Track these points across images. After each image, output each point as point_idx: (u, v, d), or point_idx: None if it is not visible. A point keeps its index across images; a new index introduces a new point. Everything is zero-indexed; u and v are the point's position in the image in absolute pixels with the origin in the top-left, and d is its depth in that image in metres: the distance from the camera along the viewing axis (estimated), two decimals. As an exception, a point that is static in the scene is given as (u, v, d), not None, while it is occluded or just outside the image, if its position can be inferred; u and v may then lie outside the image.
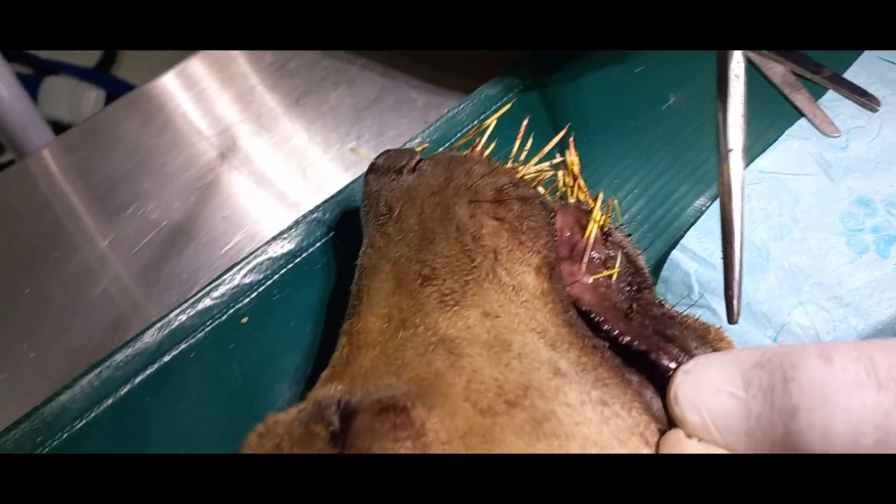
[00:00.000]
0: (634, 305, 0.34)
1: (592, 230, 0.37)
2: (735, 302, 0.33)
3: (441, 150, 0.49)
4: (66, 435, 0.38)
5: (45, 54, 1.22)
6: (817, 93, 0.49)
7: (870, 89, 0.49)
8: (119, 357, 0.40)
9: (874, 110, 0.48)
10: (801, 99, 0.48)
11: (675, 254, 0.42)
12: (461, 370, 0.29)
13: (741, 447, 0.26)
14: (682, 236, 0.43)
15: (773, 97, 0.49)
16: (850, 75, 0.50)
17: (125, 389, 0.39)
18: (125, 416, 0.38)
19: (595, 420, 0.28)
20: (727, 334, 0.34)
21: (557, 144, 0.41)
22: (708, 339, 0.32)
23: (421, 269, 0.34)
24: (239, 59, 0.54)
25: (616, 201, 0.43)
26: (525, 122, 0.41)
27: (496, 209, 0.36)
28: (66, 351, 0.42)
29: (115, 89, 1.14)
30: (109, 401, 0.39)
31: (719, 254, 0.42)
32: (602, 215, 0.38)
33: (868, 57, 0.51)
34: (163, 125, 0.50)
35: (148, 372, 0.40)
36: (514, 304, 0.33)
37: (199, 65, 0.54)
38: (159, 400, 0.39)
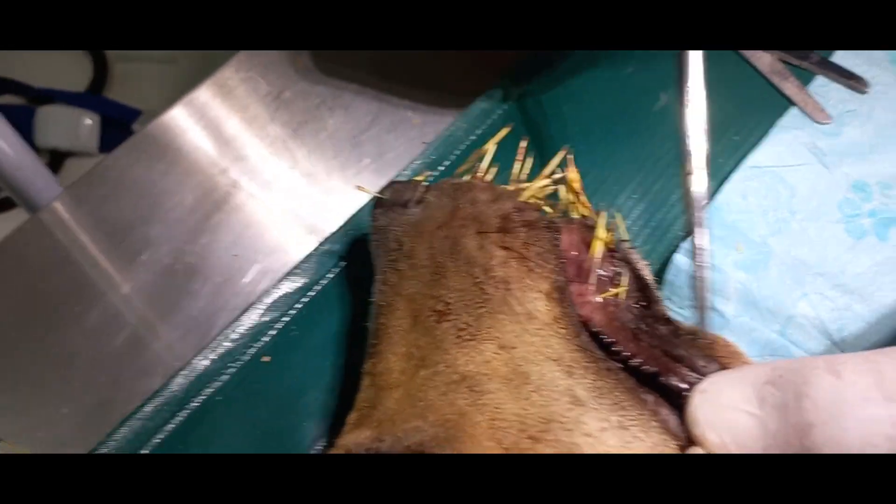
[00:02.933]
0: (643, 325, 0.35)
1: (597, 248, 0.38)
2: (704, 313, 0.35)
3: (440, 168, 0.49)
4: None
5: (36, 82, 1.22)
6: (806, 79, 0.50)
7: (858, 70, 0.50)
8: (149, 408, 0.41)
9: (863, 92, 0.49)
10: (790, 87, 0.49)
11: (677, 257, 0.43)
12: (483, 408, 0.30)
13: None
14: (682, 238, 0.44)
15: (763, 88, 0.50)
16: (837, 58, 0.51)
17: (158, 439, 0.41)
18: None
19: (616, 446, 0.29)
20: (736, 345, 0.35)
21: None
22: (715, 357, 0.33)
23: (435, 305, 0.35)
24: (237, 91, 0.54)
25: (620, 215, 0.44)
26: (524, 144, 0.42)
27: (503, 238, 0.37)
28: (96, 404, 0.43)
29: (109, 111, 1.14)
30: (143, 452, 0.40)
31: (718, 253, 0.43)
32: (606, 231, 0.39)
33: (854, 38, 0.52)
34: (166, 168, 0.51)
35: (178, 419, 0.41)
36: (529, 332, 0.34)
37: (198, 100, 0.54)
38: (192, 446, 0.41)
